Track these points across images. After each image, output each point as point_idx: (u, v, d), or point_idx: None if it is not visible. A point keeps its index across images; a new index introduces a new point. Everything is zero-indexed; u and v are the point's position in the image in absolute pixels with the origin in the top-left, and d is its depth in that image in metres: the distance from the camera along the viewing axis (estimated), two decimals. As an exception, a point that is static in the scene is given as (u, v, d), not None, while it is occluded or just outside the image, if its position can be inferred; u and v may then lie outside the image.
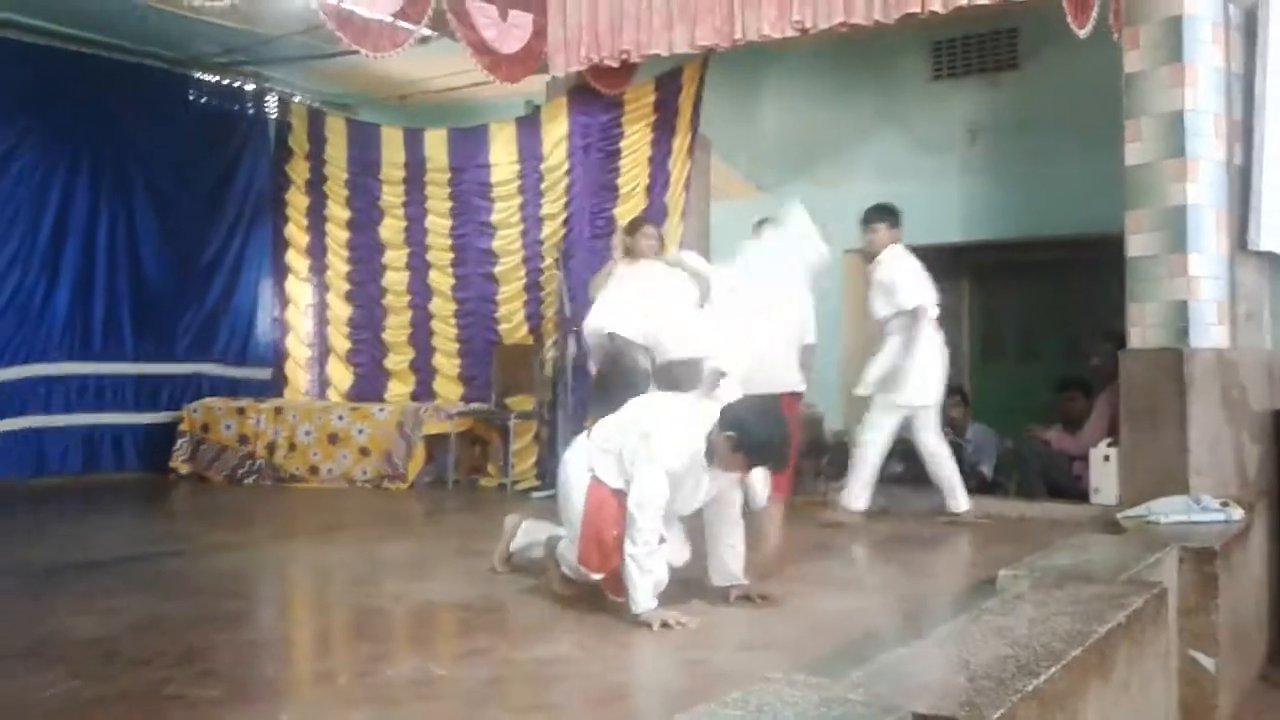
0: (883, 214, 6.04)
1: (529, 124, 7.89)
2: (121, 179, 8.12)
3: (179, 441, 8.01)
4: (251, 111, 9.01)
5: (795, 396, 5.12)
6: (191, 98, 8.61)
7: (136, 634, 3.64)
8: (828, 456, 7.02)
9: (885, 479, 6.12)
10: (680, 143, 7.39)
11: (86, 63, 7.81)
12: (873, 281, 6.02)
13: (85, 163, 7.88)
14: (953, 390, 7.55)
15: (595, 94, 7.37)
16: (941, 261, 8.08)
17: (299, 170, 8.91)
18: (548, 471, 6.95)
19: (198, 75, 8.62)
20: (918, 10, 5.79)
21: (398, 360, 8.47)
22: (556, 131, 7.67)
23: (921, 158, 7.85)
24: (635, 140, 7.50)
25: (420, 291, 8.34)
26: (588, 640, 3.46)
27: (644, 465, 3.61)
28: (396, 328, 8.47)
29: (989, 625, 2.83)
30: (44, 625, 3.75)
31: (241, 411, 8.00)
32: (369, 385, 8.54)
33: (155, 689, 2.93)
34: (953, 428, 7.11)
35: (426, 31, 6.48)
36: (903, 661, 2.42)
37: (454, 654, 3.49)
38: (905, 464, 6.76)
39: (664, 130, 7.42)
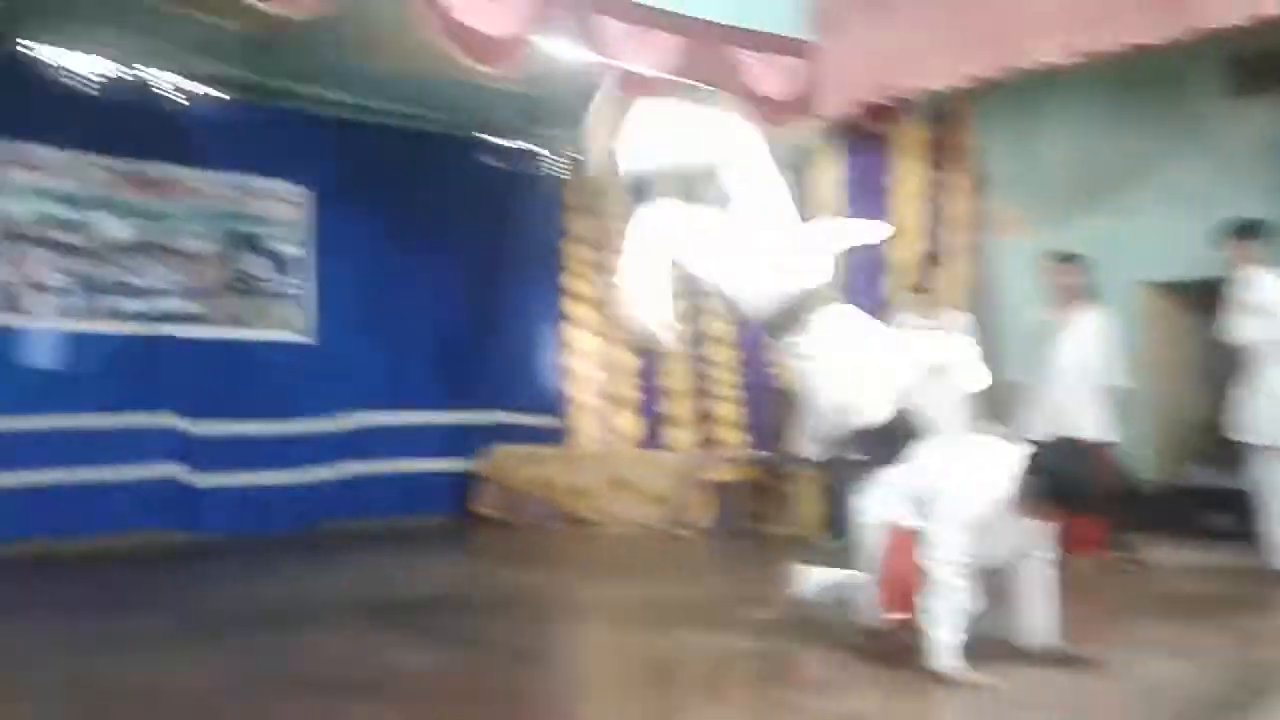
0: (1255, 230, 5.67)
1: (798, 169, 7.92)
2: (428, 242, 8.69)
3: (480, 486, 8.53)
4: (540, 171, 9.52)
5: (1105, 445, 4.88)
6: (487, 161, 9.18)
7: (455, 672, 3.91)
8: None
9: (1212, 533, 5.68)
10: (955, 179, 7.23)
11: (393, 134, 8.50)
12: (1236, 302, 5.66)
13: (398, 229, 8.49)
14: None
15: (866, 134, 7.34)
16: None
17: (581, 224, 9.33)
18: (835, 519, 6.90)
19: (492, 139, 9.19)
20: (1212, 24, 5.44)
21: (680, 408, 8.68)
22: (827, 174, 7.68)
23: (1222, 181, 7.29)
24: (908, 179, 7.40)
25: (701, 340, 8.52)
26: (891, 697, 3.42)
27: (943, 514, 3.53)
28: (678, 375, 8.68)
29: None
30: (375, 660, 4.09)
31: (536, 458, 8.42)
32: (654, 433, 8.78)
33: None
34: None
35: (701, 85, 6.68)
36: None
37: (751, 706, 3.53)
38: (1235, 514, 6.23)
39: (938, 167, 7.28)
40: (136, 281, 7.40)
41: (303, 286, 8.17)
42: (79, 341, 7.13)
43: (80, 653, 4.12)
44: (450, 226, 8.85)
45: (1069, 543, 5.98)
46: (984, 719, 3.22)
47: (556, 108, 8.30)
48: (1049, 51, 6.07)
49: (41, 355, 7.00)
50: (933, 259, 6.86)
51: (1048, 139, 8.09)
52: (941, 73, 6.51)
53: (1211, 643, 4.15)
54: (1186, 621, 4.61)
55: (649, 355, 8.80)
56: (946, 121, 7.26)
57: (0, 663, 3.86)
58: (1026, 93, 7.43)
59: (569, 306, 9.42)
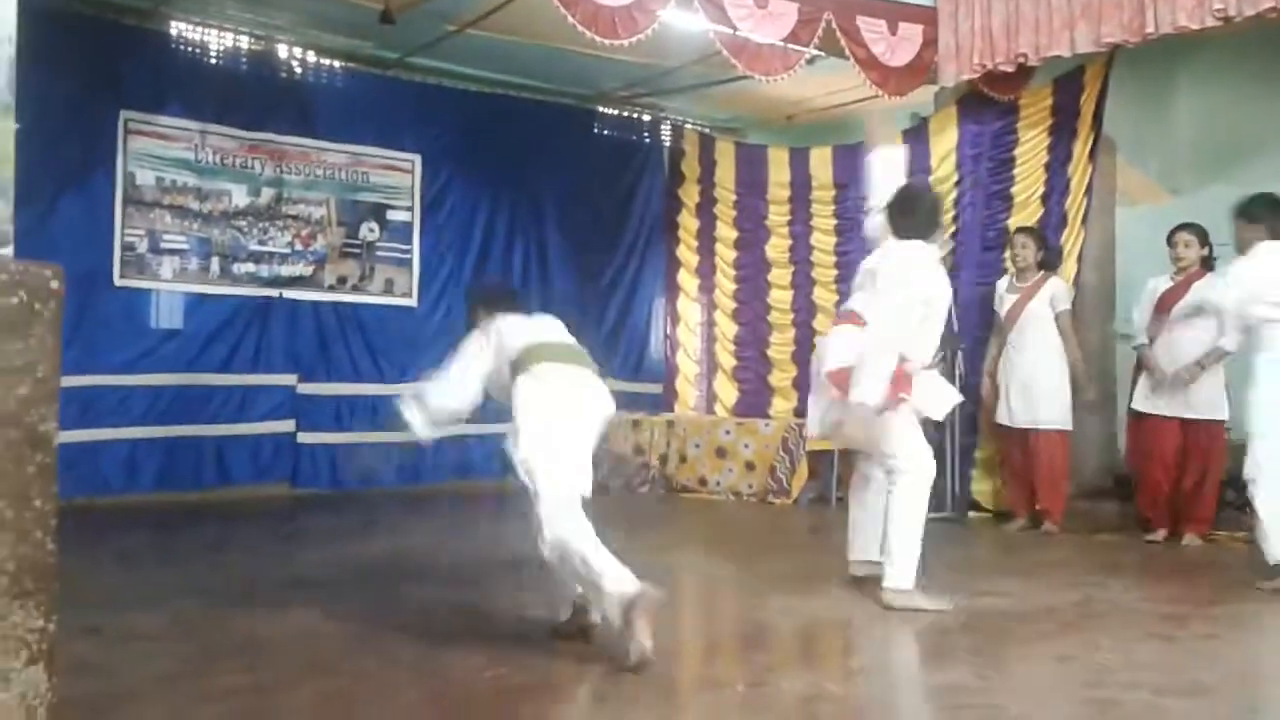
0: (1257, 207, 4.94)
1: (916, 136, 7.73)
2: (534, 209, 8.82)
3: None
4: (648, 140, 9.50)
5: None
6: (595, 130, 9.22)
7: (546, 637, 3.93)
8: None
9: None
10: (1081, 147, 6.95)
11: (503, 103, 8.59)
12: None
13: (504, 196, 8.65)
14: None
15: (987, 101, 7.12)
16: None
17: (690, 194, 9.30)
18: (936, 492, 6.72)
19: (601, 109, 9.23)
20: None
21: (781, 377, 8.61)
22: (945, 142, 7.48)
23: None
24: (1031, 147, 7.15)
25: (804, 308, 8.43)
26: (986, 669, 3.33)
27: None
28: (781, 344, 8.61)
29: None
30: (469, 615, 4.14)
31: (637, 424, 8.45)
32: (754, 401, 8.73)
33: (574, 679, 3.15)
34: None
35: (815, 52, 6.56)
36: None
37: (843, 671, 3.48)
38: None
39: (1063, 134, 7.01)
40: (256, 247, 7.64)
41: (409, 251, 8.31)
42: (201, 303, 7.40)
43: (191, 598, 4.26)
44: (560, 195, 8.92)
45: (1178, 521, 5.80)
46: (1082, 692, 3.08)
47: (672, 77, 8.29)
48: (1184, 15, 5.78)
49: (167, 316, 7.28)
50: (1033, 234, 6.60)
51: (1182, 105, 7.76)
52: (1068, 38, 6.26)
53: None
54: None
55: (751, 325, 8.73)
56: (1074, 87, 6.97)
57: (116, 606, 4.01)
58: (1159, 57, 7.12)
59: (678, 276, 9.40)
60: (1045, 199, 7.07)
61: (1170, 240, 5.98)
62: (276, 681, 3.17)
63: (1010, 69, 6.66)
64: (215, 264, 7.47)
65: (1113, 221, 7.32)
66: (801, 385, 8.43)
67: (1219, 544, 5.82)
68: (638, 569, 3.18)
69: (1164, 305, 5.92)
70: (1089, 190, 6.95)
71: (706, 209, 9.16)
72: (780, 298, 8.62)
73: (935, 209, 4.56)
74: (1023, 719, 2.90)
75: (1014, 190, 7.19)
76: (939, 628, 3.94)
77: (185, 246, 7.37)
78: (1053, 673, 3.35)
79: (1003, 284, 6.67)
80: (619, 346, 9.28)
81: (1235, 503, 6.32)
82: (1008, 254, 6.73)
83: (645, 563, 5.51)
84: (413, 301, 8.30)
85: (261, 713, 2.90)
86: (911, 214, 4.37)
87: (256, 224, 7.65)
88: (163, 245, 7.28)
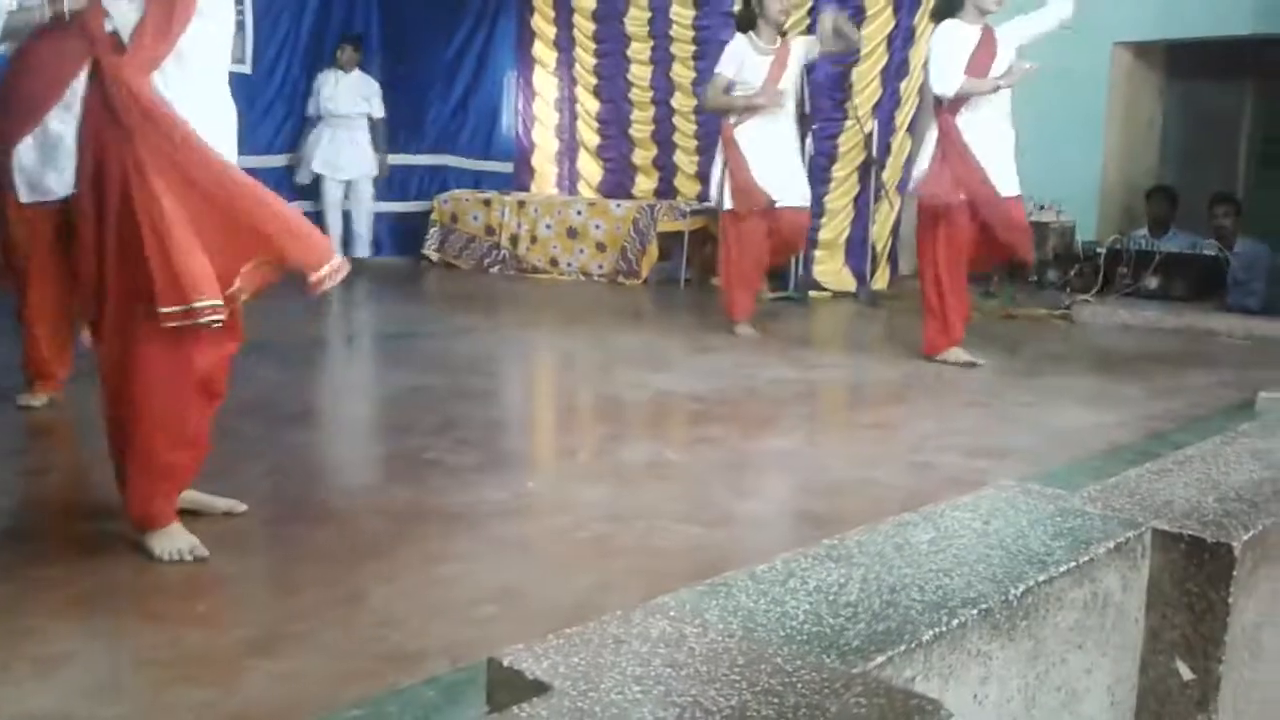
0: None
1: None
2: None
3: (430, 230, 8.44)
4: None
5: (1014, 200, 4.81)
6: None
7: (398, 404, 3.98)
8: (1077, 268, 6.68)
9: (1140, 293, 5.80)
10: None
11: None
12: None
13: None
14: (1223, 198, 6.98)
15: None
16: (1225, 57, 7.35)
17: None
18: (780, 274, 6.90)
19: None
20: None
21: (643, 156, 8.49)
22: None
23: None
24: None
25: (663, 86, 8.25)
26: (818, 435, 3.53)
27: None
28: (642, 123, 8.44)
29: (1244, 447, 2.68)
30: (317, 395, 4.14)
31: (487, 203, 8.31)
32: (618, 181, 8.62)
33: (416, 453, 3.20)
34: (1219, 238, 6.61)
35: None
36: (1146, 478, 2.33)
37: (686, 440, 3.63)
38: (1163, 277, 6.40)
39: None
40: None
41: (241, 13, 7.73)
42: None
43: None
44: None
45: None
46: (903, 458, 3.30)
47: None
48: None
49: None
50: None
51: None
52: None
53: (1124, 395, 4.27)
54: (1107, 375, 4.73)
55: (614, 102, 8.54)
56: None
57: None
58: None
59: (533, 49, 9.03)
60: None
61: None
62: None
63: None
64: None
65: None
66: (661, 165, 8.39)
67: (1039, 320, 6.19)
68: (492, 346, 3.19)
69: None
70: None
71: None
72: (640, 74, 8.39)
73: None
74: (842, 480, 3.11)
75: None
76: (778, 399, 4.13)
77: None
78: (875, 438, 3.56)
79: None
80: (467, 121, 9.01)
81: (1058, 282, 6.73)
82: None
83: (498, 339, 5.64)
84: (246, 68, 7.80)
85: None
86: None
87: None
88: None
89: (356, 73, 7.94)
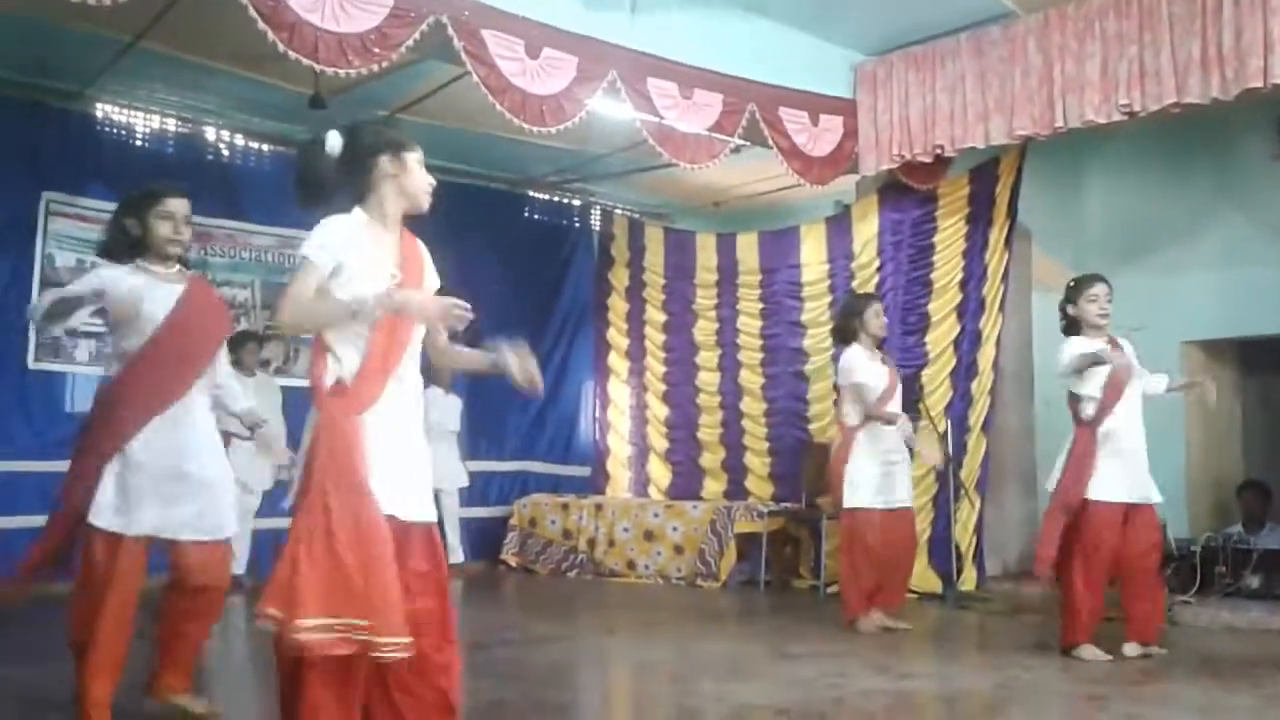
0: None
1: (839, 223, 7.95)
2: (464, 293, 8.71)
3: (509, 535, 8.50)
4: (578, 224, 9.61)
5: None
6: (525, 214, 9.30)
7: (481, 718, 3.86)
8: (1173, 566, 6.44)
9: (1241, 592, 5.55)
10: (997, 235, 7.18)
11: (436, 187, 8.59)
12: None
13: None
14: (1251, 484, 6.87)
15: (906, 190, 7.33)
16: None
17: (620, 277, 9.39)
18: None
19: (531, 193, 9.32)
20: (1260, 85, 5.40)
21: (711, 459, 8.65)
22: (867, 229, 7.66)
23: (1271, 241, 7.20)
24: (949, 234, 7.36)
25: (731, 391, 8.51)
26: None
27: None
28: (709, 426, 8.66)
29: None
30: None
31: (565, 507, 8.40)
32: (686, 483, 8.75)
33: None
34: (1245, 526, 6.44)
35: (739, 141, 6.72)
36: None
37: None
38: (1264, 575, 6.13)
39: (979, 223, 7.24)
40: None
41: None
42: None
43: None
44: (491, 278, 8.88)
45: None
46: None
47: (601, 163, 8.42)
48: (1091, 110, 6.04)
49: (79, 399, 7.07)
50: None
51: (1094, 195, 8.05)
52: (983, 130, 6.50)
53: (1238, 703, 4.00)
54: (1216, 682, 4.44)
55: (682, 407, 8.78)
56: (989, 177, 7.21)
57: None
58: (1073, 148, 7.41)
59: (608, 359, 9.44)
60: (964, 285, 7.27)
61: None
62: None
63: (928, 159, 6.88)
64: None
65: (1029, 306, 7.53)
66: (730, 467, 8.49)
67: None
68: (570, 654, 3.12)
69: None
70: (1005, 276, 7.16)
71: (636, 293, 9.26)
72: (709, 380, 8.70)
73: None
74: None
75: (933, 276, 7.38)
76: (868, 713, 3.94)
77: (103, 329, 7.19)
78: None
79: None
80: (546, 429, 9.26)
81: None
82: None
83: (577, 648, 5.52)
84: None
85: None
86: None
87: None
88: (79, 328, 7.11)
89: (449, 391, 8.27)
